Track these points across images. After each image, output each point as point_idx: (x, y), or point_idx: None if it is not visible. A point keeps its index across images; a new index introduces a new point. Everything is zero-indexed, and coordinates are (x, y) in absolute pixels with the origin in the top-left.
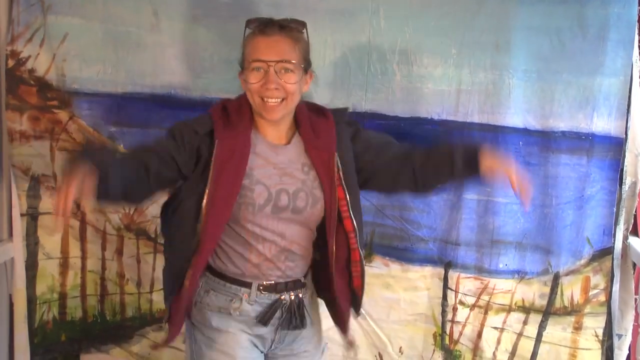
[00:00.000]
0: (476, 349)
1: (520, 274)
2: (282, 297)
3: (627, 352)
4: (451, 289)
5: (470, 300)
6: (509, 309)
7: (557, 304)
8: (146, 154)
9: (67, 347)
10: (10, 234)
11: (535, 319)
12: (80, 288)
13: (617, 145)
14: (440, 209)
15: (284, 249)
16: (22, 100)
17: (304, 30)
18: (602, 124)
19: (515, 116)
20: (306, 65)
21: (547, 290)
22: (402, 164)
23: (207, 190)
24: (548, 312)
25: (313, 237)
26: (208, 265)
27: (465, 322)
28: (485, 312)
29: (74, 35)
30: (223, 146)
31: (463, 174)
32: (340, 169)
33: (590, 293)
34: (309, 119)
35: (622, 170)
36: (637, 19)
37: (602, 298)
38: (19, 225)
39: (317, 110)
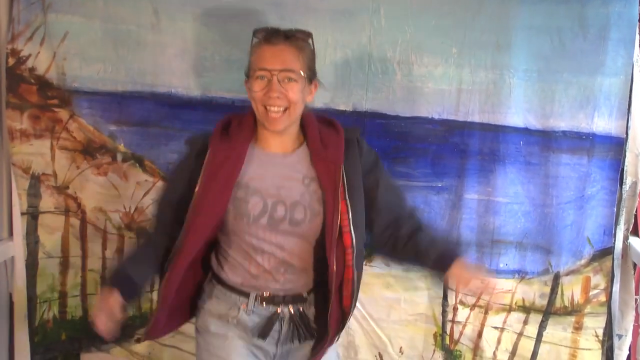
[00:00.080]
0: (476, 349)
1: (520, 274)
2: (279, 310)
3: (628, 352)
4: (452, 289)
5: (471, 300)
6: (509, 309)
7: (558, 303)
8: (156, 248)
9: (68, 346)
10: (11, 233)
11: (535, 319)
12: (81, 287)
13: (617, 145)
14: (441, 208)
15: (283, 262)
16: (23, 99)
17: (310, 41)
18: (603, 123)
19: (515, 116)
20: (310, 75)
21: (547, 290)
22: (392, 227)
23: (195, 191)
24: (548, 312)
25: (313, 251)
26: (214, 273)
27: (466, 322)
28: (486, 312)
29: (75, 33)
30: (215, 155)
31: (431, 269)
32: (345, 183)
33: (590, 293)
34: (318, 130)
35: (622, 170)
36: (638, 18)
37: (603, 298)
38: (19, 224)
39: (327, 122)
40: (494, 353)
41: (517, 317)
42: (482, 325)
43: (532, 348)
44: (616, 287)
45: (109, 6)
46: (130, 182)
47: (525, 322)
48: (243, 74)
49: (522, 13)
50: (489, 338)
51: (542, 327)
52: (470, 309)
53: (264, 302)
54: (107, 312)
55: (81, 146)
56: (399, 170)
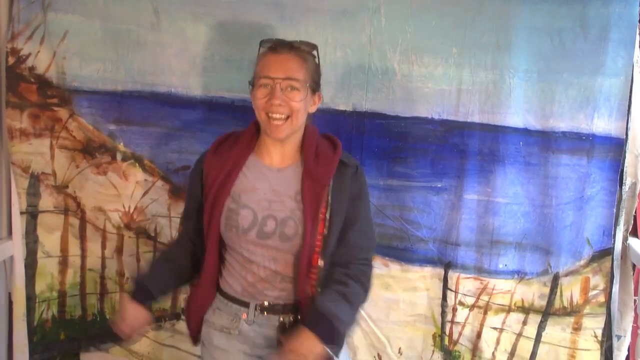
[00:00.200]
0: (475, 350)
1: (519, 275)
2: (282, 319)
3: (626, 353)
4: (451, 290)
5: (470, 300)
6: (508, 310)
7: (557, 304)
8: (177, 259)
9: (67, 345)
10: (10, 232)
11: (534, 320)
12: (80, 286)
13: (617, 145)
14: (440, 209)
15: (278, 273)
16: (22, 98)
17: (315, 53)
18: (603, 124)
19: (515, 116)
20: (313, 86)
21: (546, 290)
22: (334, 262)
23: (205, 212)
24: (547, 312)
25: None
26: (218, 286)
27: (465, 323)
28: (485, 313)
29: (74, 33)
30: (209, 169)
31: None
32: (330, 204)
33: (589, 294)
34: (316, 145)
35: (622, 171)
36: (638, 19)
37: (602, 299)
38: (19, 223)
39: (329, 139)
40: (493, 354)
41: (516, 317)
42: (481, 325)
43: (531, 348)
44: (615, 288)
45: (109, 5)
46: (130, 181)
47: (525, 323)
48: (243, 73)
49: (522, 13)
50: (488, 338)
51: (541, 327)
52: (470, 310)
53: (264, 312)
54: (129, 321)
55: (81, 145)
56: (398, 171)
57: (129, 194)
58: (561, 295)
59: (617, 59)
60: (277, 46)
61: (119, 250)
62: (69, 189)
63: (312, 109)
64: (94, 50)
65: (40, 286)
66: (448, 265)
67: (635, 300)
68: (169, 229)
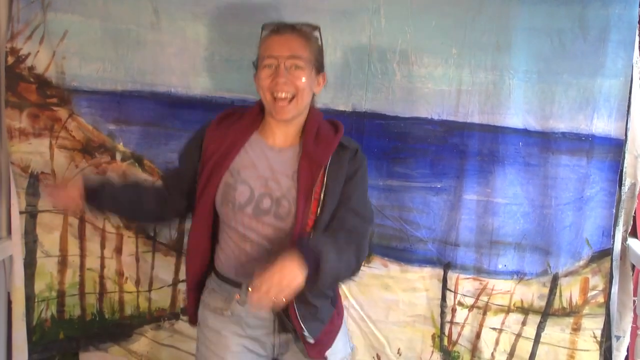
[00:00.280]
0: (474, 350)
1: (519, 275)
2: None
3: (626, 353)
4: (450, 290)
5: (469, 301)
6: (507, 310)
7: (556, 305)
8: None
9: (66, 345)
10: (9, 232)
11: (533, 320)
12: (79, 286)
13: (616, 146)
14: (440, 209)
15: (271, 252)
16: (22, 98)
17: (317, 33)
18: (602, 125)
19: (515, 117)
20: (317, 66)
21: (546, 291)
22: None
23: (199, 184)
24: (547, 313)
25: None
26: (214, 264)
27: (464, 323)
28: (484, 313)
29: (74, 32)
30: (210, 141)
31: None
32: (325, 184)
33: (589, 294)
34: (318, 127)
35: (621, 171)
36: (638, 20)
37: (601, 299)
38: (18, 223)
39: (332, 122)
40: (492, 354)
41: (515, 318)
42: (481, 326)
43: (530, 349)
44: (615, 289)
45: (108, 5)
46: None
47: (524, 323)
48: (243, 73)
49: (522, 14)
50: (487, 339)
51: (540, 328)
52: (469, 310)
53: None
54: (65, 196)
55: (80, 145)
56: (398, 171)
57: None
58: (560, 295)
59: (617, 60)
60: (280, 28)
61: (118, 250)
62: None
63: (317, 90)
64: (93, 50)
65: (39, 286)
66: (447, 266)
67: (634, 301)
68: (169, 228)
